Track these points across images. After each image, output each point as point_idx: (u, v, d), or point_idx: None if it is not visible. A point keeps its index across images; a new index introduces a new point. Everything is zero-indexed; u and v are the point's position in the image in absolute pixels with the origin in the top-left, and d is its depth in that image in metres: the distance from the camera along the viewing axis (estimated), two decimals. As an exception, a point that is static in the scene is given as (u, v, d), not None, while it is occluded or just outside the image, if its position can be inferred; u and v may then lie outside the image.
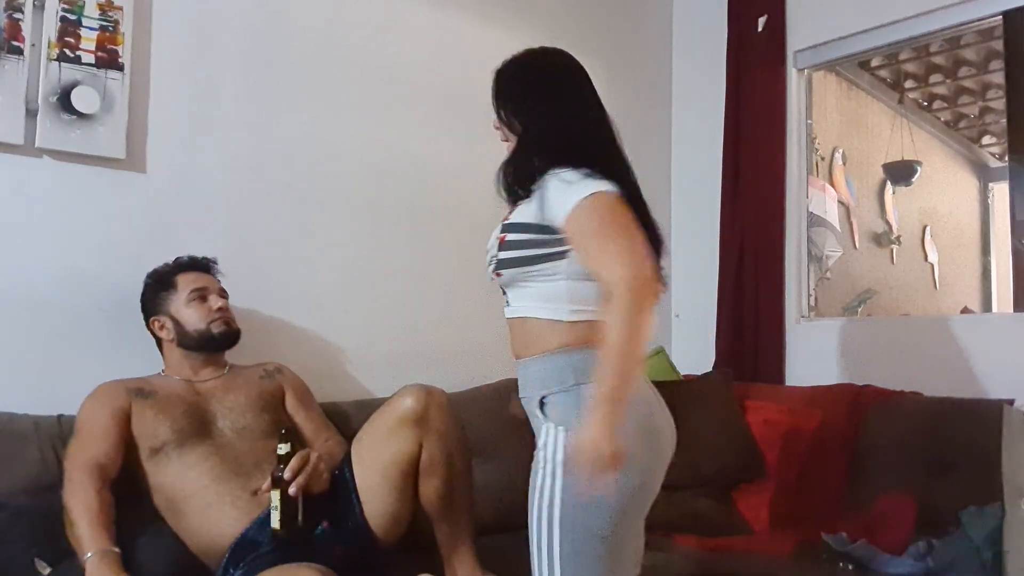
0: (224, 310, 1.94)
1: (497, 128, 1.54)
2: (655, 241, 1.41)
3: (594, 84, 1.52)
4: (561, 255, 1.36)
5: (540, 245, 1.36)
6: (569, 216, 1.30)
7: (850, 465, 2.38)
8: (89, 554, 1.50)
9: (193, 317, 1.89)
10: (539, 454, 1.34)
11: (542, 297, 1.38)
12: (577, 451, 1.20)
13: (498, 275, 1.42)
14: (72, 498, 1.58)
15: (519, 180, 1.43)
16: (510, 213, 1.44)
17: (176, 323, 1.89)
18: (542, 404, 1.35)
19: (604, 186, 1.32)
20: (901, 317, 3.87)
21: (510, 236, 1.39)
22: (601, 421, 1.18)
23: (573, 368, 1.33)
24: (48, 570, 1.54)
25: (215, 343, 1.91)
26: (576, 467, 1.21)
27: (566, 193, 1.31)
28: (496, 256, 1.41)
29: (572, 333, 1.35)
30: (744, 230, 3.04)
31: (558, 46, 1.55)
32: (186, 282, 1.92)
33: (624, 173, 1.43)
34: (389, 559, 1.76)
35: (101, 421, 1.71)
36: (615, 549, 1.31)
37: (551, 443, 1.32)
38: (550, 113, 1.45)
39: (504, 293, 1.47)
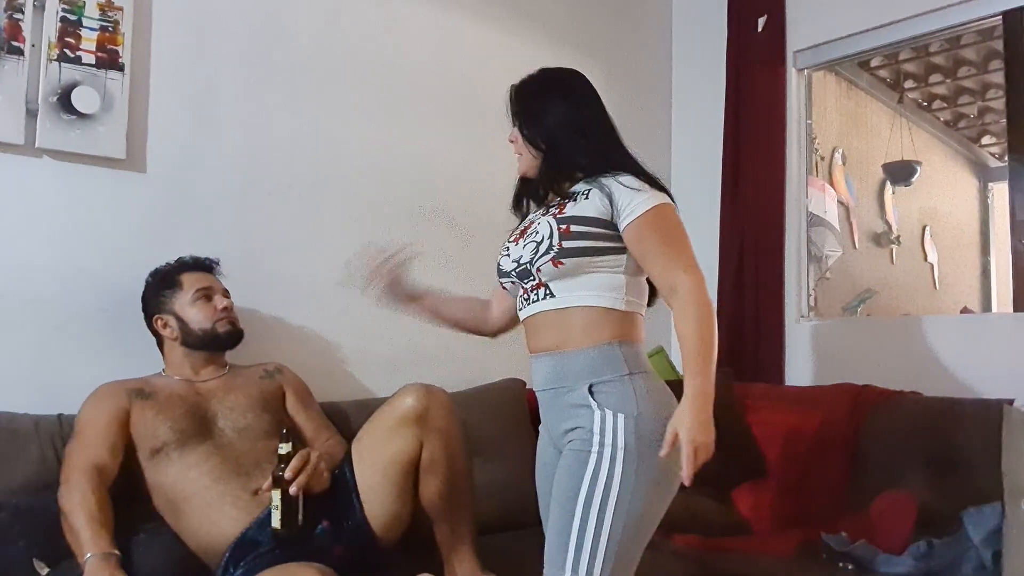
0: (229, 310, 1.94)
1: (512, 141, 1.58)
2: None
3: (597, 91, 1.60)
4: (623, 250, 1.45)
5: (607, 238, 1.44)
6: (639, 220, 1.42)
7: (850, 465, 2.37)
8: (88, 555, 1.49)
9: (198, 316, 1.89)
10: (594, 438, 1.38)
11: (603, 287, 1.45)
12: (682, 438, 1.28)
13: (559, 264, 1.44)
14: (68, 500, 1.58)
15: (558, 186, 1.55)
16: (563, 208, 1.49)
17: (181, 322, 1.89)
18: (591, 391, 1.41)
19: (667, 198, 1.47)
20: (901, 317, 3.86)
21: (575, 227, 1.44)
22: (700, 411, 1.29)
23: (625, 358, 1.42)
24: (47, 570, 1.54)
25: (220, 342, 1.91)
26: (671, 450, 1.30)
27: (635, 199, 1.43)
28: (559, 245, 1.44)
29: (623, 324, 1.45)
30: (744, 230, 3.04)
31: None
32: (191, 281, 1.92)
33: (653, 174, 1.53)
34: (389, 559, 1.76)
35: (102, 422, 1.71)
36: (649, 533, 1.39)
37: (609, 429, 1.37)
38: (579, 123, 1.53)
39: (538, 288, 1.48)
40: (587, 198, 1.46)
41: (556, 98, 1.55)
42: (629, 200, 1.43)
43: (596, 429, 1.38)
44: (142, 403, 1.76)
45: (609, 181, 1.46)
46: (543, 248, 1.45)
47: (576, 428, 1.42)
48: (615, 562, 1.33)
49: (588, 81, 1.60)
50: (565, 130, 1.52)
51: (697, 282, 1.37)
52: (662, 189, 1.49)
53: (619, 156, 1.53)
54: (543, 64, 1.63)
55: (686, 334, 1.35)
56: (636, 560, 1.39)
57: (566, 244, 1.43)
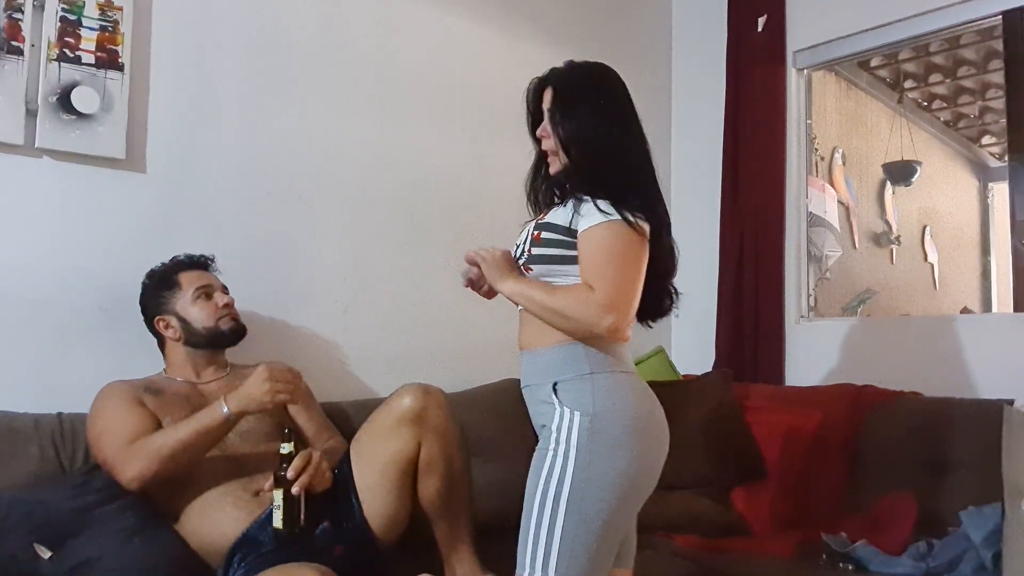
0: (230, 306, 1.94)
1: (546, 136, 1.53)
2: (671, 263, 1.53)
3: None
4: None
5: (570, 247, 1.43)
6: (587, 231, 1.39)
7: (850, 465, 2.37)
8: (223, 409, 1.64)
9: (200, 315, 1.89)
10: (551, 436, 1.39)
11: None
12: (486, 256, 1.47)
13: (528, 269, 1.47)
14: (137, 462, 1.62)
15: (553, 192, 1.55)
16: (545, 214, 1.51)
17: (183, 321, 1.89)
18: (555, 390, 1.41)
19: (628, 217, 1.39)
20: (901, 317, 3.86)
21: (545, 234, 1.45)
22: (507, 266, 1.47)
23: (589, 358, 1.41)
24: (49, 554, 1.53)
25: (225, 339, 1.91)
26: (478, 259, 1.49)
27: (591, 212, 1.40)
28: (528, 250, 1.46)
29: None
30: (744, 230, 3.04)
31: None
32: (190, 280, 1.92)
33: (654, 202, 1.48)
34: (389, 559, 1.76)
35: (124, 407, 1.70)
36: (608, 531, 1.37)
37: (565, 427, 1.38)
38: (594, 136, 1.47)
39: None
40: (566, 207, 1.45)
41: (575, 103, 1.49)
42: (586, 212, 1.40)
43: (554, 427, 1.39)
44: (151, 398, 1.76)
45: (586, 195, 1.41)
46: (518, 252, 1.50)
47: (544, 426, 1.44)
48: (571, 558, 1.33)
49: (616, 78, 1.54)
50: (583, 141, 1.47)
51: (601, 301, 1.35)
52: (647, 209, 1.42)
53: (618, 178, 1.43)
54: (542, 65, 1.58)
55: (554, 293, 1.41)
56: (600, 556, 1.37)
57: (535, 251, 1.45)
